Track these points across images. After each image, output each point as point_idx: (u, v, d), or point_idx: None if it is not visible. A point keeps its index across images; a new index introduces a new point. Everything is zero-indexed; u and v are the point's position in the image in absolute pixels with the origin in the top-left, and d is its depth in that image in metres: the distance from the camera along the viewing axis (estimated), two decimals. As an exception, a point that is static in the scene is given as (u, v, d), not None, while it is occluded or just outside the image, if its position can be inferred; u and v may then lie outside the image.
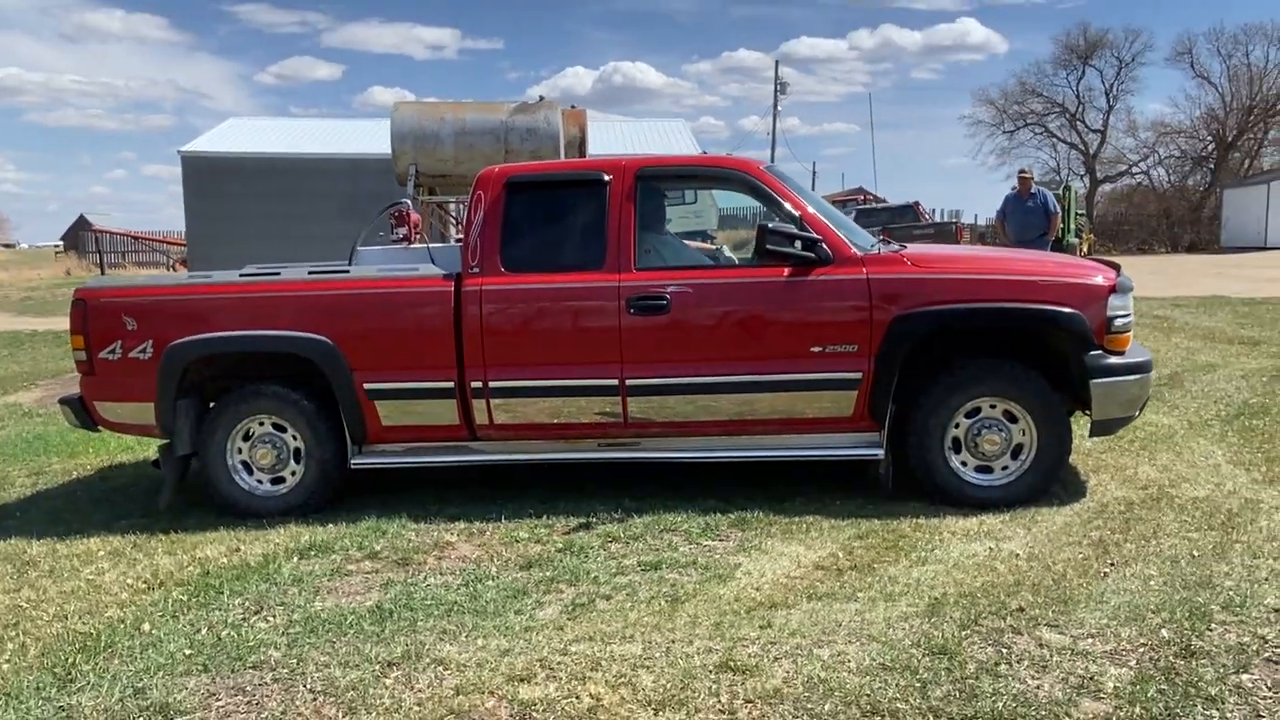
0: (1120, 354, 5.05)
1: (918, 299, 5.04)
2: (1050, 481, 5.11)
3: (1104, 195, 46.24)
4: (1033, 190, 12.73)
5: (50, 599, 4.35)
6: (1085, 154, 46.04)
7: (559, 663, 3.36)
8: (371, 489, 5.79)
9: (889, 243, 5.69)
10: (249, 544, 4.95)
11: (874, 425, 5.15)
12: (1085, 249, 35.19)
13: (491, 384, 5.27)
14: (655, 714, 3.01)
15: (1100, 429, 5.17)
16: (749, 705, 3.04)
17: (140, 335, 5.44)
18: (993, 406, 5.10)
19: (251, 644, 3.67)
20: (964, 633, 3.46)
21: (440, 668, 3.38)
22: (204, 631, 3.83)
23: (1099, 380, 4.97)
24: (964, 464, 5.13)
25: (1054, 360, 5.14)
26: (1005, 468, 5.12)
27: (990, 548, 4.40)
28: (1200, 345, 10.01)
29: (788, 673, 3.22)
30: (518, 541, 4.78)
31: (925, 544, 4.50)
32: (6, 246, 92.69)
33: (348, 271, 5.63)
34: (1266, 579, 3.86)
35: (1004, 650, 3.34)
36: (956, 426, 5.11)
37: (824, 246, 5.10)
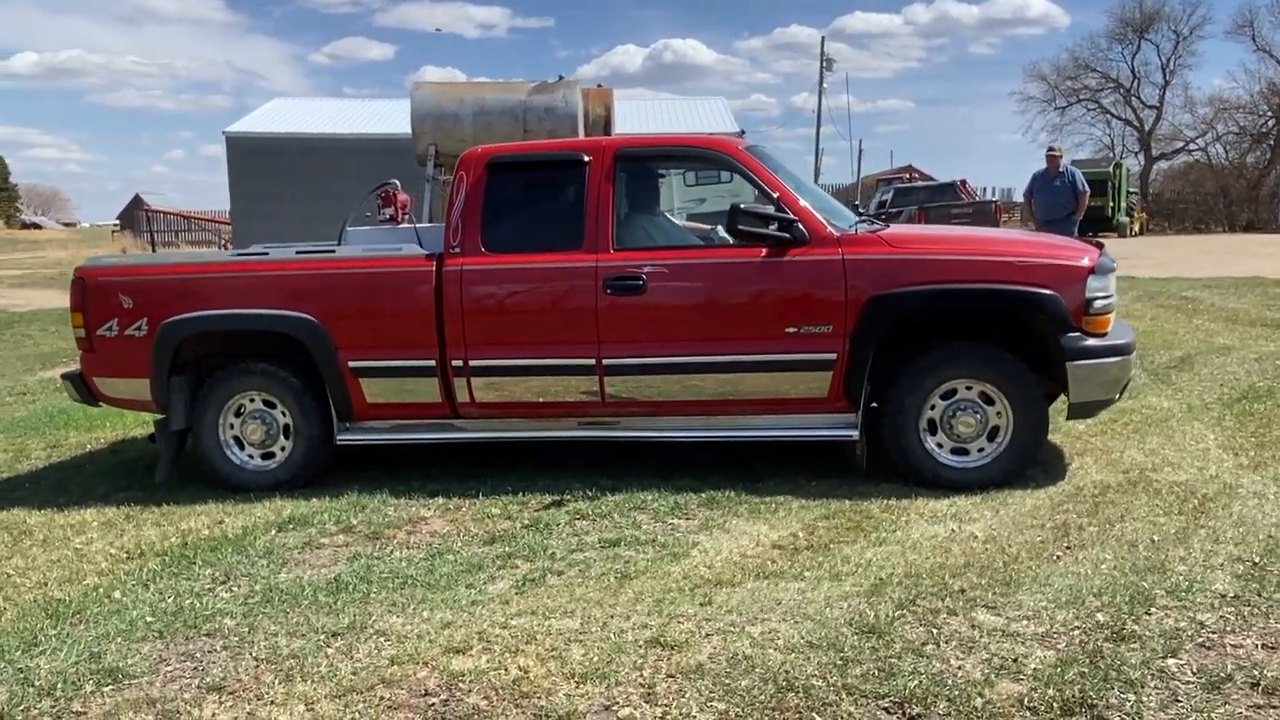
0: (1100, 336, 4.99)
1: (893, 280, 5.02)
2: (1026, 464, 5.07)
3: (1159, 173, 45.13)
4: (1060, 169, 12.50)
5: (37, 567, 4.53)
6: (1140, 130, 44.92)
7: (496, 635, 3.44)
8: (362, 465, 5.91)
9: (873, 222, 5.66)
10: (233, 517, 5.10)
11: (850, 406, 5.15)
12: (1137, 228, 34.49)
13: (472, 363, 5.35)
14: (577, 686, 3.08)
15: (1079, 412, 5.13)
16: (669, 680, 3.09)
17: (136, 313, 5.60)
18: (968, 388, 5.08)
19: (209, 613, 3.80)
20: (899, 613, 3.48)
21: (381, 638, 3.48)
22: (169, 600, 3.97)
23: (1076, 363, 4.92)
24: (939, 446, 5.11)
25: (1035, 342, 5.10)
26: (981, 450, 5.10)
27: (952, 529, 4.40)
28: (1221, 327, 9.80)
29: (714, 649, 3.26)
30: (489, 518, 4.87)
31: (888, 525, 4.51)
32: (67, 225, 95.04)
33: (334, 251, 5.74)
34: (1221, 564, 3.82)
35: (934, 631, 3.35)
36: (932, 408, 5.10)
37: (800, 227, 5.10)
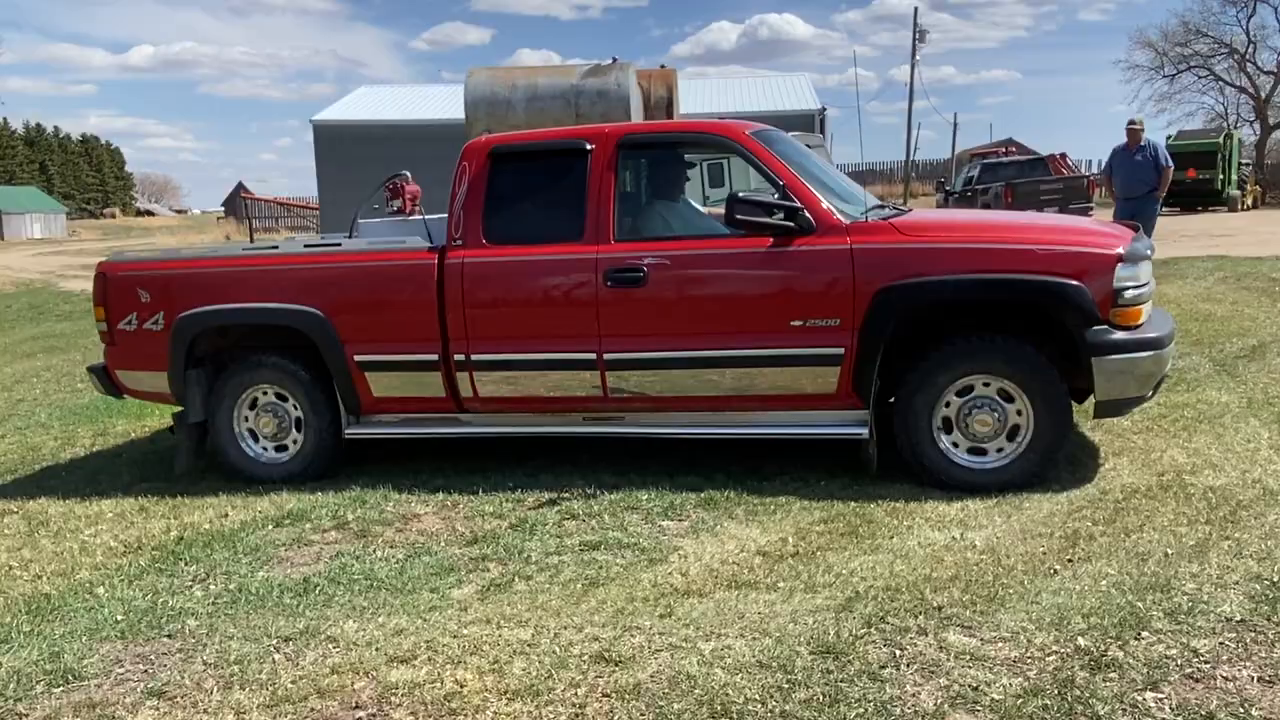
0: (1130, 329, 4.64)
1: (904, 270, 4.75)
2: (1047, 465, 4.76)
3: (1277, 144, 42.65)
4: (1142, 142, 11.83)
5: (42, 559, 4.62)
6: (1255, 98, 42.55)
7: (444, 645, 3.35)
8: (379, 458, 5.89)
9: (889, 209, 5.39)
10: (237, 510, 5.13)
11: (860, 403, 4.91)
12: (1250, 201, 32.64)
13: (474, 357, 5.27)
14: (508, 703, 2.97)
15: (1107, 410, 4.79)
16: (603, 699, 2.95)
17: (153, 307, 5.68)
18: (986, 385, 4.79)
19: (175, 613, 3.81)
20: (865, 631, 3.27)
21: (330, 645, 3.43)
22: (145, 598, 4.00)
23: (1102, 358, 4.59)
24: (955, 445, 4.84)
25: (1062, 335, 4.77)
26: (1000, 450, 4.81)
27: (953, 537, 4.14)
28: (1309, 312, 9.13)
29: (660, 667, 3.11)
30: (480, 516, 4.79)
31: (887, 531, 4.28)
32: (179, 212, 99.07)
33: (340, 245, 5.72)
34: (1236, 583, 3.50)
35: (898, 652, 3.14)
36: (947, 406, 4.82)
37: (805, 215, 4.86)
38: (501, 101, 11.50)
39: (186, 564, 4.38)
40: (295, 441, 5.67)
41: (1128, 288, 4.62)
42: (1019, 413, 4.76)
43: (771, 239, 4.89)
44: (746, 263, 4.94)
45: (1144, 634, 3.16)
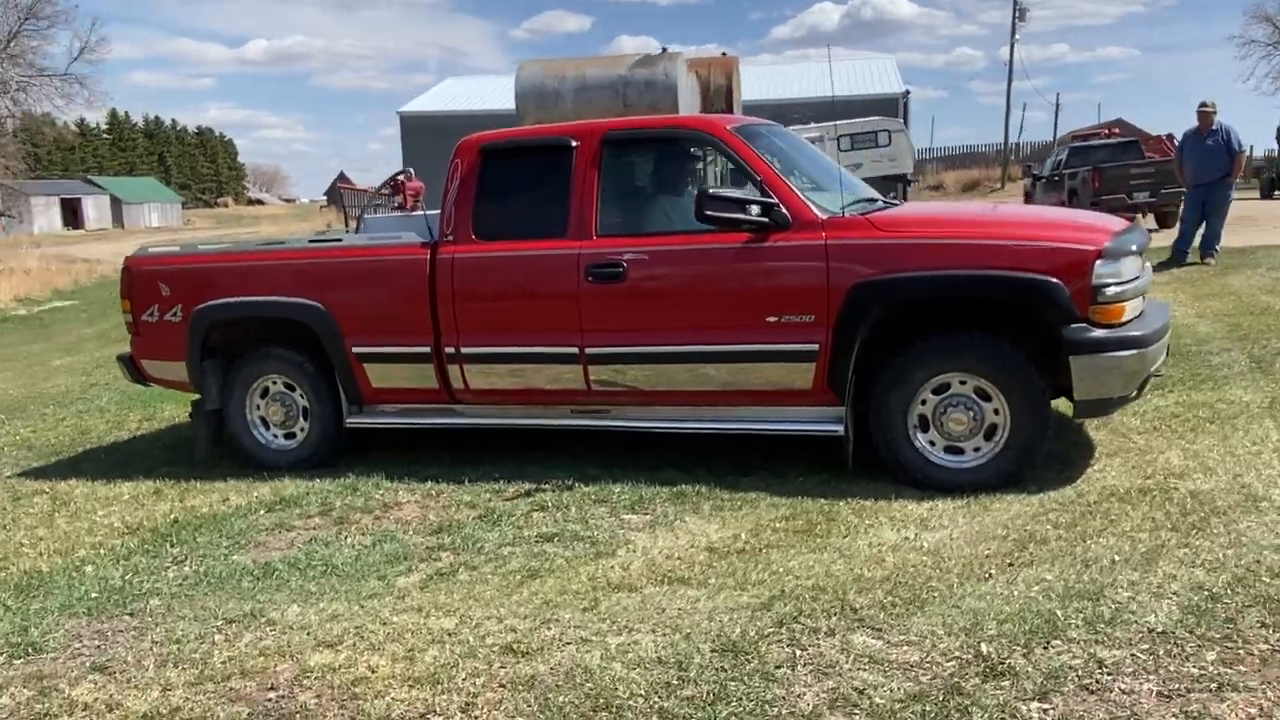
0: (1112, 326, 4.50)
1: (878, 266, 4.70)
2: (1024, 466, 4.66)
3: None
4: (1214, 126, 11.34)
5: (54, 537, 4.93)
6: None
7: (370, 631, 3.49)
8: (384, 447, 6.08)
9: (880, 203, 5.32)
10: (238, 495, 5.38)
11: (836, 400, 4.88)
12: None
13: (464, 350, 5.40)
14: (409, 690, 3.08)
15: (1087, 410, 4.66)
16: (497, 690, 3.04)
17: (172, 300, 5.97)
18: (963, 383, 4.70)
19: (144, 592, 4.04)
20: (775, 630, 3.28)
21: (269, 628, 3.60)
22: (121, 577, 4.24)
23: (1079, 356, 4.47)
24: (931, 444, 4.77)
25: (1043, 333, 4.65)
26: (978, 449, 4.72)
27: (906, 537, 4.10)
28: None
29: (561, 660, 3.19)
30: (458, 505, 4.93)
31: (844, 529, 4.25)
32: (287, 201, 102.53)
33: (340, 240, 5.92)
34: (1175, 593, 3.38)
35: (799, 652, 3.14)
36: (923, 403, 4.75)
37: (781, 210, 4.84)
38: (551, 93, 11.64)
39: (172, 545, 4.62)
40: (302, 430, 5.91)
41: (1108, 284, 4.48)
42: (996, 411, 4.67)
43: (748, 235, 4.89)
44: (723, 258, 4.94)
45: (1054, 642, 3.10)
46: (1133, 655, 3.01)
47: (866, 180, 23.14)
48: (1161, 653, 3.01)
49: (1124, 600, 3.35)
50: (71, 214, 73.72)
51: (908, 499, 4.59)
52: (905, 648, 3.14)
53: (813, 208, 4.87)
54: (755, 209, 4.84)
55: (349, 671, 3.21)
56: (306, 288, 5.64)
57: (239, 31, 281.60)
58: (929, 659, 3.06)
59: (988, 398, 4.67)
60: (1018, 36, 44.73)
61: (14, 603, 4.04)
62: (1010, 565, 3.72)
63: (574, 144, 5.27)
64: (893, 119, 25.59)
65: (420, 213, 6.49)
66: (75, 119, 77.75)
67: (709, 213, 4.75)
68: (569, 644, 3.29)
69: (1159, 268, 12.31)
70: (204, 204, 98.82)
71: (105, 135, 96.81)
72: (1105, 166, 21.43)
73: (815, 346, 4.80)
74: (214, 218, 79.74)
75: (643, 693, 2.95)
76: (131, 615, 3.84)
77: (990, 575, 3.64)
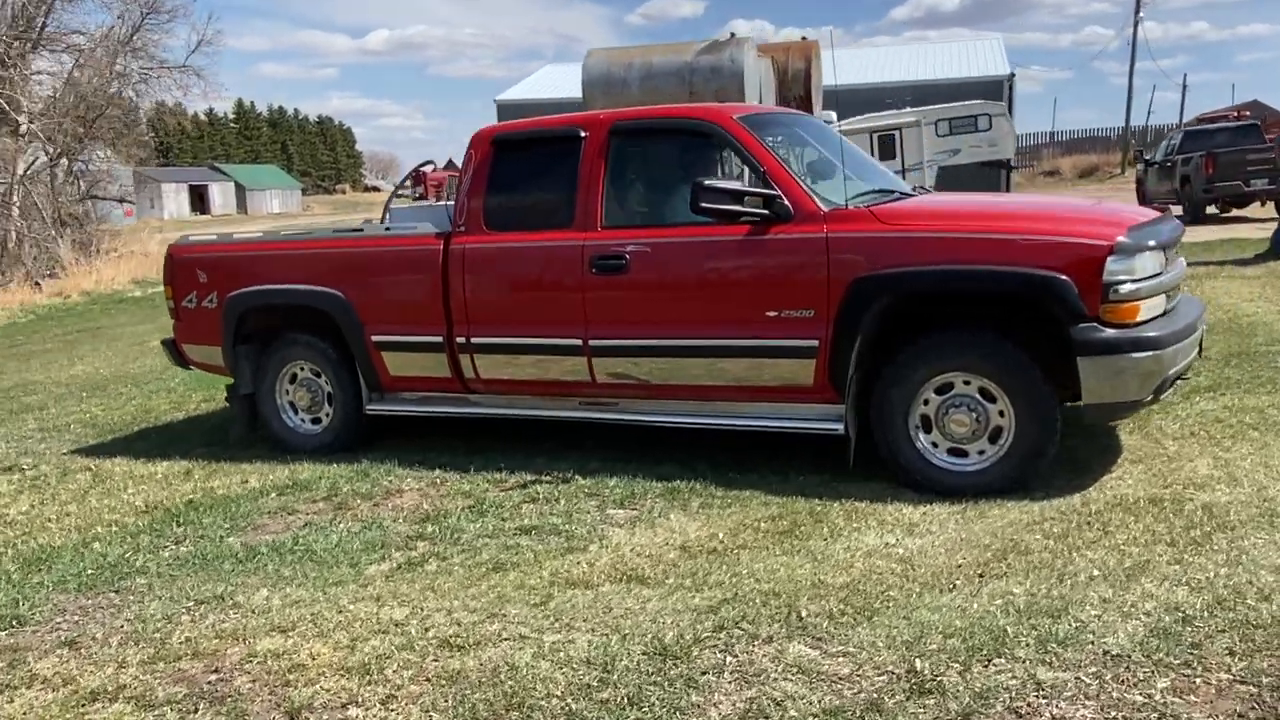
0: (1126, 326, 4.25)
1: (880, 260, 4.54)
2: (1030, 471, 4.44)
3: None
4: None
5: (80, 513, 5.16)
6: None
7: (324, 618, 3.55)
8: (405, 434, 6.17)
9: (895, 193, 5.13)
10: (255, 478, 5.54)
11: (838, 398, 4.74)
12: None
13: (474, 340, 5.44)
14: (339, 679, 3.12)
15: (1096, 413, 4.41)
16: (420, 684, 3.06)
17: (209, 287, 6.18)
18: (967, 383, 4.51)
19: (134, 570, 4.20)
20: (713, 636, 3.21)
21: (232, 610, 3.69)
22: (120, 555, 4.40)
23: (1089, 358, 4.24)
24: (934, 445, 4.59)
25: (1054, 331, 4.43)
26: (982, 452, 4.53)
27: (887, 543, 3.96)
28: None
29: (491, 656, 3.18)
30: (457, 494, 4.97)
31: (826, 532, 4.13)
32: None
33: (361, 231, 6.01)
34: (1147, 613, 3.18)
35: (730, 659, 3.07)
36: (926, 403, 4.58)
37: (783, 202, 4.72)
38: (617, 81, 11.60)
39: (178, 526, 4.78)
40: (327, 415, 6.05)
41: (1121, 281, 4.22)
42: (1001, 414, 4.47)
43: (749, 227, 4.78)
44: (723, 251, 4.85)
45: (996, 661, 2.95)
46: (1077, 678, 2.84)
47: (963, 166, 22.40)
48: (1109, 677, 2.83)
49: (1087, 619, 3.16)
50: (199, 200, 77.23)
51: (905, 502, 4.44)
52: (840, 659, 3.04)
53: (815, 199, 4.73)
54: (755, 200, 4.72)
55: (291, 658, 3.27)
56: (328, 277, 5.76)
57: (362, 22, 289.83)
58: (860, 672, 2.95)
59: (992, 399, 4.47)
60: (1141, 14, 42.74)
61: (18, 576, 4.25)
62: (980, 576, 3.56)
63: (583, 134, 5.24)
64: (994, 102, 24.67)
65: (444, 203, 6.56)
66: (204, 109, 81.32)
67: (703, 204, 4.66)
68: (506, 640, 3.29)
69: (1255, 259, 11.61)
70: (323, 190, 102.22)
71: (232, 124, 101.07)
72: (1220, 152, 20.31)
73: (815, 342, 4.67)
74: (331, 204, 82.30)
75: (559, 693, 2.93)
76: (116, 593, 3.99)
77: (955, 586, 3.49)
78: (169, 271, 6.38)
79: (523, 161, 5.46)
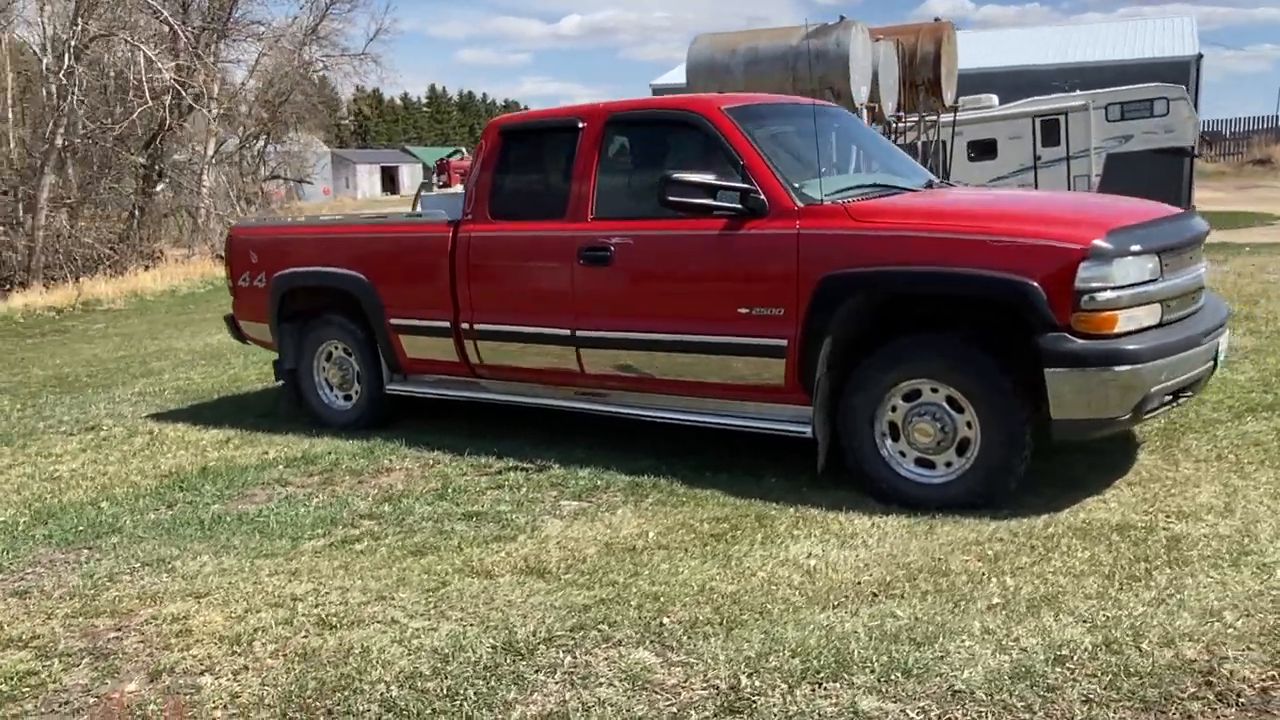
0: (1100, 337, 3.93)
1: (849, 258, 4.36)
2: (995, 487, 4.16)
3: None
4: None
5: (116, 474, 5.58)
6: None
7: (236, 589, 3.73)
8: (427, 415, 6.35)
9: (897, 190, 4.91)
10: (275, 449, 5.84)
11: (810, 399, 4.58)
12: None
13: (476, 326, 5.56)
14: (214, 646, 3.29)
15: (1064, 430, 4.07)
16: (276, 658, 3.18)
17: (259, 267, 6.55)
18: (934, 390, 4.27)
19: (114, 530, 4.52)
20: (568, 634, 3.20)
21: (166, 575, 3.94)
22: (111, 515, 4.74)
23: (1054, 369, 3.94)
24: (901, 454, 4.38)
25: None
26: (949, 464, 4.28)
27: (814, 553, 3.80)
28: None
29: (354, 639, 3.27)
30: (436, 476, 5.10)
31: (758, 538, 4.01)
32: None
33: (385, 218, 6.22)
34: (1024, 649, 2.95)
35: (569, 660, 3.05)
36: (893, 410, 4.37)
37: (758, 197, 4.59)
38: (721, 67, 11.46)
39: (181, 491, 5.11)
40: (356, 393, 6.31)
41: (1097, 289, 3.89)
42: (968, 424, 4.21)
43: (725, 221, 4.67)
44: (699, 246, 4.76)
45: (830, 685, 2.81)
46: (903, 711, 2.68)
47: (1136, 154, 20.90)
48: (936, 713, 2.66)
49: (954, 650, 2.97)
50: (389, 180, 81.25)
51: (861, 512, 4.25)
52: (676, 669, 2.97)
53: (791, 194, 4.57)
54: (730, 195, 4.61)
55: (184, 622, 3.47)
56: (354, 261, 6.00)
57: (556, 8, 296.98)
58: (686, 684, 2.88)
59: (960, 409, 4.22)
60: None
61: (22, 529, 4.66)
62: (874, 595, 3.39)
63: (581, 125, 5.24)
64: (1173, 85, 22.84)
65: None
66: (398, 95, 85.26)
67: (670, 198, 4.58)
68: (377, 623, 3.37)
69: None
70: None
71: (425, 109, 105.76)
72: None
73: (784, 342, 4.53)
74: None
75: (388, 679, 2.99)
76: (89, 549, 4.32)
77: (841, 603, 3.33)
78: (228, 251, 6.80)
79: (526, 152, 5.53)
